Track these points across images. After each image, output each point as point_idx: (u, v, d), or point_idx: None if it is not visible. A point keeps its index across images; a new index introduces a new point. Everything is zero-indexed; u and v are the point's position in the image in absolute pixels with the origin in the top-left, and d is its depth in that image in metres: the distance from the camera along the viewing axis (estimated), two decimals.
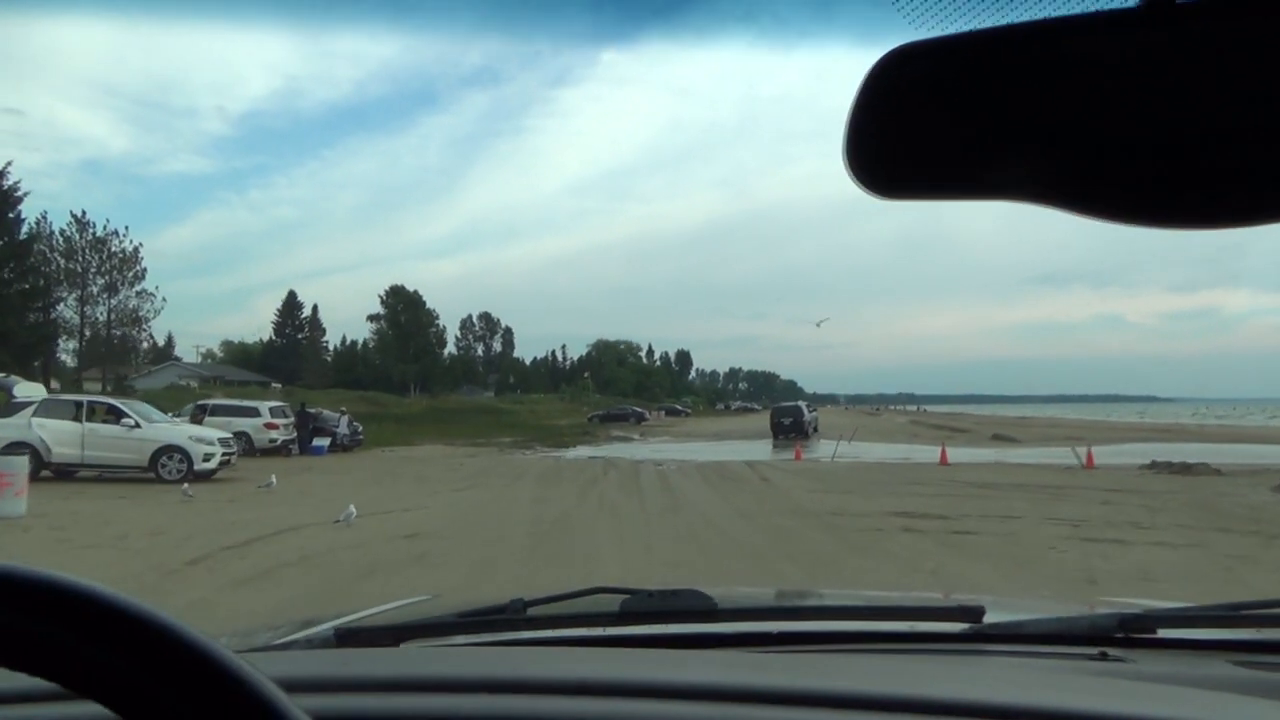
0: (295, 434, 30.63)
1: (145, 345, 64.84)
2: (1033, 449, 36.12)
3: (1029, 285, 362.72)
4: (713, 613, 1.49)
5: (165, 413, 25.54)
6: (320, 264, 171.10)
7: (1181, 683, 1.14)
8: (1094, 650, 1.35)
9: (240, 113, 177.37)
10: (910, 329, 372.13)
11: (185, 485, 16.35)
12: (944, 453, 26.79)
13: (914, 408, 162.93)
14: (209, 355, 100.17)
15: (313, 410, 32.71)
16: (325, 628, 1.55)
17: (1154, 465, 23.47)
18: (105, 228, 57.95)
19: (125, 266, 57.78)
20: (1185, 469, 22.34)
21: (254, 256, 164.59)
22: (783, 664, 1.17)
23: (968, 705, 0.89)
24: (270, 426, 29.52)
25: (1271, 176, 0.48)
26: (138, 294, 58.39)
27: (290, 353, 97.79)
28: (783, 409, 49.89)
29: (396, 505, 14.73)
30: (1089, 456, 24.99)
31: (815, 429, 48.46)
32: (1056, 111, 0.48)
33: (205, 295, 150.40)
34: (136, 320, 58.78)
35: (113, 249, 57.70)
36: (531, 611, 1.51)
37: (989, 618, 1.46)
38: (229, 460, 19.87)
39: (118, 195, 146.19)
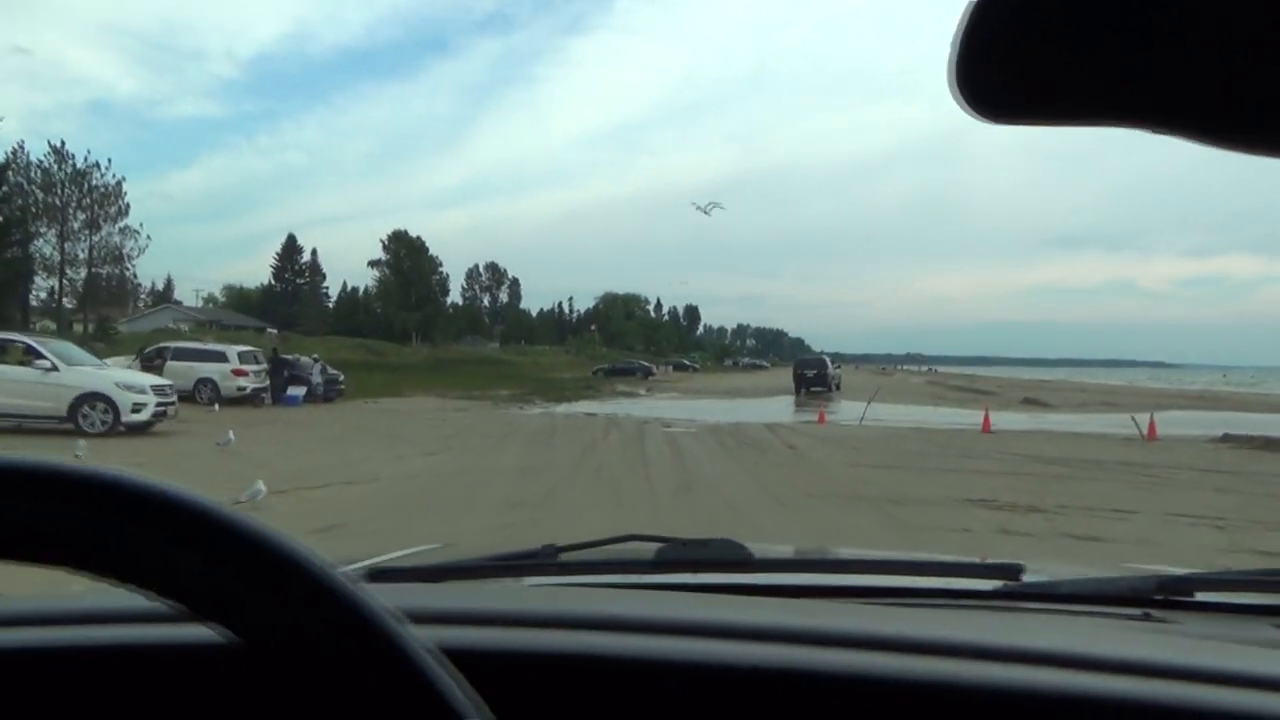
0: (268, 382, 27.85)
1: (143, 287, 62.27)
2: (1072, 415, 33.37)
3: (1042, 248, 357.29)
4: (748, 563, 1.49)
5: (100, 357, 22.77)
6: (329, 211, 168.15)
7: (1225, 642, 1.09)
8: (1134, 611, 1.33)
9: (249, 56, 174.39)
10: (920, 290, 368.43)
11: (81, 442, 13.45)
12: (987, 419, 23.82)
13: (925, 368, 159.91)
14: (210, 299, 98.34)
15: (289, 356, 29.86)
16: (355, 568, 1.51)
17: (1227, 439, 20.63)
18: (86, 160, 54.83)
19: (107, 201, 54.72)
20: (1268, 444, 19.47)
21: (262, 202, 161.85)
22: (818, 610, 1.11)
23: (1008, 650, 0.86)
24: (238, 373, 26.68)
25: None
26: (120, 231, 55.49)
27: (289, 298, 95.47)
28: (806, 361, 49.44)
29: (342, 474, 11.87)
30: (1151, 427, 22.06)
31: (838, 386, 47.39)
32: (1179, 30, 0.45)
33: (213, 240, 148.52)
34: (119, 258, 55.86)
35: (94, 183, 54.65)
36: (563, 557, 1.52)
37: (1027, 578, 1.44)
38: (166, 411, 16.99)
39: (126, 137, 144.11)
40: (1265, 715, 0.80)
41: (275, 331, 75.36)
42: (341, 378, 30.56)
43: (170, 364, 26.88)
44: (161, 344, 29.68)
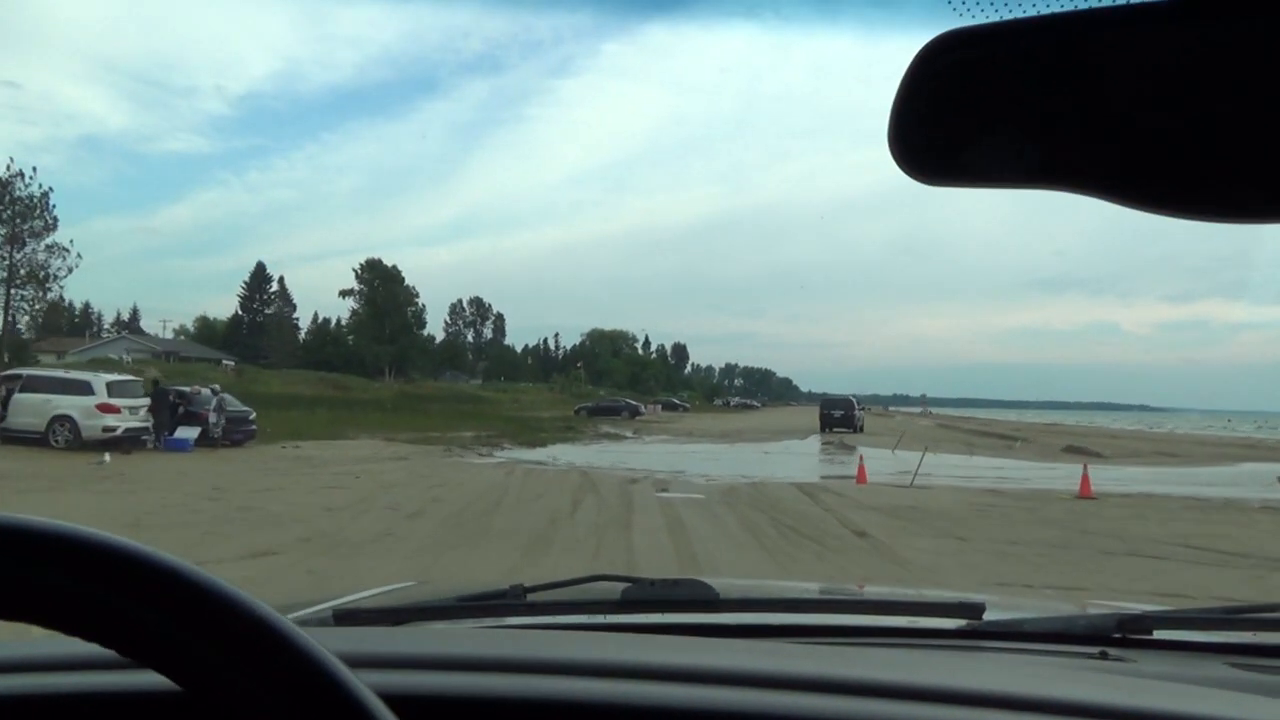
0: (151, 420, 21.73)
1: (103, 315, 56.41)
2: (1140, 468, 27.73)
3: (1025, 291, 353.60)
4: (714, 603, 1.47)
5: None
6: (316, 247, 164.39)
7: (1180, 682, 1.11)
8: (1092, 649, 1.32)
9: (240, 93, 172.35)
10: (906, 331, 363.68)
11: None
12: (1085, 480, 17.86)
13: (921, 409, 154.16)
14: (182, 331, 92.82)
15: (184, 389, 23.66)
16: (322, 608, 1.48)
17: None
18: (9, 169, 48.72)
19: (31, 215, 48.55)
20: None
21: (251, 237, 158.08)
22: (781, 653, 1.13)
23: (966, 694, 0.87)
24: (105, 409, 20.47)
25: None
26: (47, 248, 49.30)
27: (256, 329, 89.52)
28: (832, 401, 50.88)
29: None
30: None
31: (861, 427, 47.14)
32: (1101, 100, 0.48)
33: (200, 275, 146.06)
34: (43, 279, 49.51)
35: (17, 194, 48.53)
36: (531, 597, 1.48)
37: (989, 615, 1.43)
38: None
39: (115, 172, 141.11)
40: None
41: (232, 363, 69.16)
42: (253, 415, 24.36)
43: (19, 396, 20.78)
44: (14, 370, 23.46)
